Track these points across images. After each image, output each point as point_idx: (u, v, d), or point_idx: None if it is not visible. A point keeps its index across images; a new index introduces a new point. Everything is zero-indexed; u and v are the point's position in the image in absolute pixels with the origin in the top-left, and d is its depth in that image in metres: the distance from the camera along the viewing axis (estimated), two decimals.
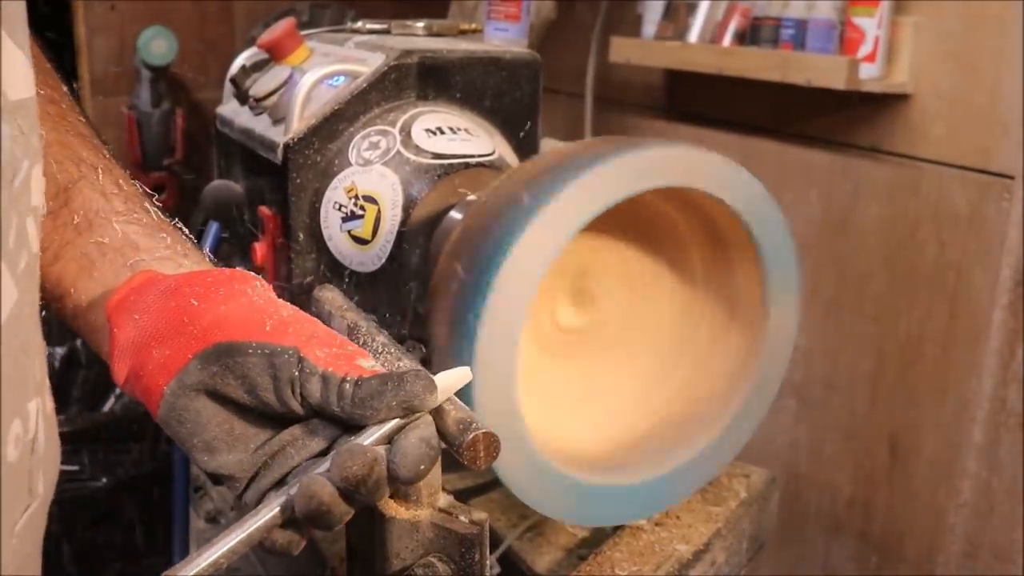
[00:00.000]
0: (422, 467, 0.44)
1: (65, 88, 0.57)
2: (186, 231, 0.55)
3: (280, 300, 0.50)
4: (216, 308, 0.47)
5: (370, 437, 0.44)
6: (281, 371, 0.45)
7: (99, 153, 0.55)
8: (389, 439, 0.45)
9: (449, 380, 0.48)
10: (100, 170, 0.53)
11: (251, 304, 0.48)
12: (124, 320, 0.48)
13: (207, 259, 0.54)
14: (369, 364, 0.47)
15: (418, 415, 0.45)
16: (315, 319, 0.49)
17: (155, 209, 0.54)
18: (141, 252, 0.51)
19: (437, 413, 0.47)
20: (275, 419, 0.46)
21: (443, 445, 0.50)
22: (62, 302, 0.51)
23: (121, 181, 0.54)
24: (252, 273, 0.51)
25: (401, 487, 0.53)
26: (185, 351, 0.46)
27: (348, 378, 0.45)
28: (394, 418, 0.45)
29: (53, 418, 0.46)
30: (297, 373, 0.45)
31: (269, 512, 0.43)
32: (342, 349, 0.47)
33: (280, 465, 0.46)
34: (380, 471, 0.43)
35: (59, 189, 0.52)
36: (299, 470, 0.45)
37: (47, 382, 0.45)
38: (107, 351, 0.49)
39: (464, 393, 0.60)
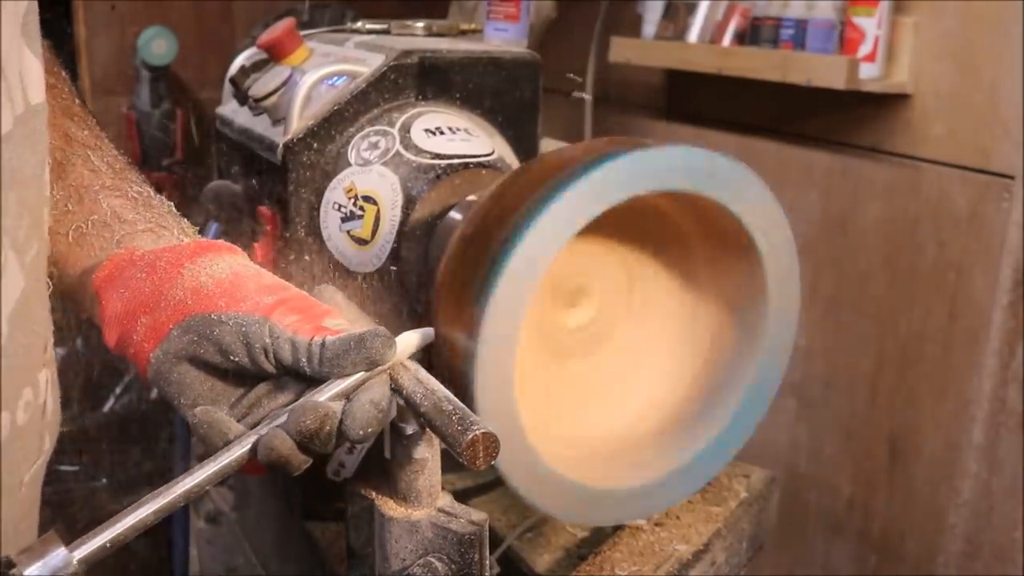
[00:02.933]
0: (370, 429, 0.48)
1: (64, 73, 0.61)
2: (169, 204, 0.59)
3: (255, 266, 0.55)
4: (192, 280, 0.52)
5: (328, 392, 0.49)
6: (253, 339, 0.50)
7: (92, 132, 0.59)
8: (350, 393, 0.49)
9: (410, 338, 0.53)
10: (91, 148, 0.58)
11: (225, 275, 0.53)
12: (110, 294, 0.53)
13: (187, 231, 0.58)
14: (335, 323, 0.51)
15: (380, 368, 0.50)
16: (287, 284, 0.54)
17: (141, 183, 0.59)
18: (125, 225, 0.56)
19: (396, 373, 0.51)
20: (250, 376, 0.52)
21: (443, 446, 0.50)
22: (54, 273, 0.55)
23: (110, 159, 0.59)
24: (227, 244, 0.56)
25: (400, 487, 0.53)
26: (166, 321, 0.51)
27: (315, 340, 0.49)
28: (358, 373, 0.49)
29: (57, 385, 0.52)
30: (269, 340, 0.49)
31: (240, 450, 0.48)
32: (310, 311, 0.52)
33: (255, 416, 0.51)
34: (332, 425, 0.47)
35: (54, 165, 0.55)
36: (269, 417, 0.50)
37: (53, 354, 0.51)
38: (98, 318, 0.54)
39: (464, 393, 0.60)
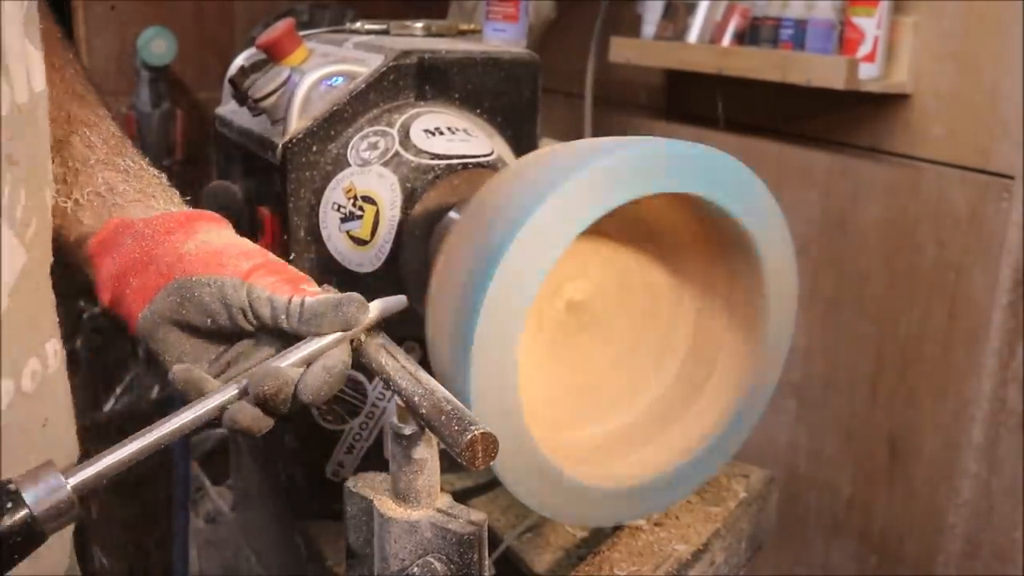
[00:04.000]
0: (321, 393, 0.52)
1: (72, 55, 0.65)
2: (160, 175, 0.64)
3: (237, 236, 0.60)
4: (178, 247, 0.57)
5: (291, 358, 0.52)
6: (231, 300, 0.54)
7: (92, 111, 0.64)
8: (311, 360, 0.52)
9: (383, 305, 0.56)
10: (89, 126, 0.62)
11: (209, 241, 0.57)
12: (104, 259, 0.58)
13: (175, 200, 0.62)
14: (312, 288, 0.55)
15: (350, 332, 0.53)
16: (267, 251, 0.58)
17: (134, 156, 0.63)
18: (117, 196, 0.60)
19: (364, 343, 0.55)
20: (230, 335, 0.56)
21: (442, 446, 0.50)
22: (56, 241, 0.59)
23: (106, 135, 0.63)
24: (213, 214, 0.61)
25: (399, 487, 0.53)
26: (153, 284, 0.56)
27: (294, 299, 0.53)
28: (335, 332, 0.53)
29: (63, 356, 0.57)
30: (247, 300, 0.53)
31: (219, 399, 0.51)
32: (288, 274, 0.56)
33: (232, 372, 0.55)
34: (287, 391, 0.51)
35: (54, 143, 0.59)
36: (244, 374, 0.53)
37: (57, 328, 0.55)
38: (92, 280, 0.59)
39: (463, 392, 0.60)
